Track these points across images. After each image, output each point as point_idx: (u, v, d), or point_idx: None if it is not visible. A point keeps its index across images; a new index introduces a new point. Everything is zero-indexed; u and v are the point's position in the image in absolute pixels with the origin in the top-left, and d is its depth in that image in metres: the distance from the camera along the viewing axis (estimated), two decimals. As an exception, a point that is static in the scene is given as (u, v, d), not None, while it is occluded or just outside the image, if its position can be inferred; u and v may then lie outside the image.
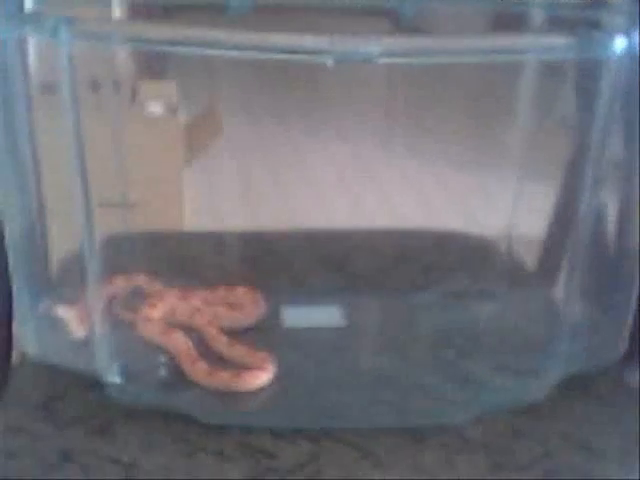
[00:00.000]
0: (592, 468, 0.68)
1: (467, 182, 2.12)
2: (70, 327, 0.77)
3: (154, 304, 0.83)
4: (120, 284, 0.86)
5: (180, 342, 0.77)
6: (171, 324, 0.80)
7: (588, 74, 0.67)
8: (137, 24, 0.70)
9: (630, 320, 0.77)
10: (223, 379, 0.73)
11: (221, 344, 0.78)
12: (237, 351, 0.77)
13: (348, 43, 0.59)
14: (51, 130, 0.72)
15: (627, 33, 0.62)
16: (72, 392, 0.74)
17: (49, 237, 0.83)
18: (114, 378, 0.72)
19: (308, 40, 0.60)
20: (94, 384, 0.72)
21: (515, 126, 0.94)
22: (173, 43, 0.62)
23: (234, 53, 0.60)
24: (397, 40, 0.62)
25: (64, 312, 0.78)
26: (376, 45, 0.60)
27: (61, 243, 0.83)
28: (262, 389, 0.73)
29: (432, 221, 2.02)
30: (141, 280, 0.88)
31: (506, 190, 0.95)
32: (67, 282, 0.81)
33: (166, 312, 0.82)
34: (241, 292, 0.86)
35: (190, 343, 0.77)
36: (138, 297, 0.85)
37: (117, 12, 0.89)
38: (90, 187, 0.67)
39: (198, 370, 0.74)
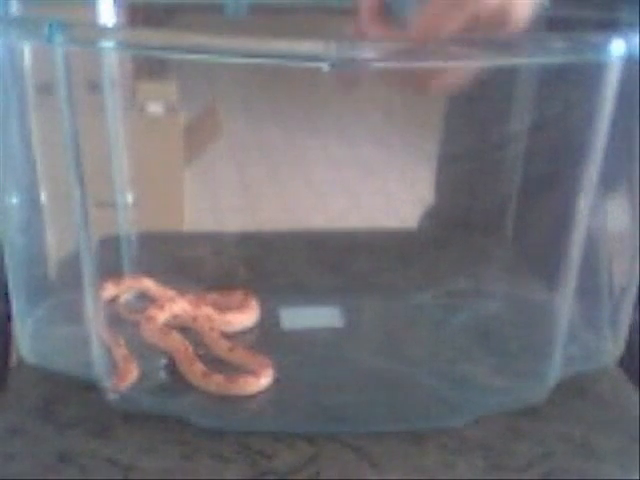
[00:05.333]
0: (592, 468, 0.68)
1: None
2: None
3: (154, 307, 0.82)
4: (119, 287, 0.86)
5: (178, 343, 0.77)
6: (172, 326, 0.80)
7: (587, 75, 0.67)
8: (133, 30, 0.70)
9: (629, 321, 0.77)
10: (218, 382, 0.73)
11: (221, 348, 0.78)
12: (237, 355, 0.77)
13: (344, 49, 0.59)
14: (49, 131, 0.72)
15: (626, 36, 0.62)
16: (71, 394, 0.73)
17: (47, 239, 0.83)
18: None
19: (304, 46, 0.59)
20: (93, 386, 0.72)
21: (513, 126, 0.94)
22: (169, 49, 0.62)
23: (229, 59, 0.60)
24: (393, 44, 0.62)
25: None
26: (372, 50, 0.59)
27: (60, 244, 0.83)
28: (260, 393, 0.73)
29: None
30: (140, 282, 0.87)
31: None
32: (65, 285, 0.81)
33: (167, 315, 0.82)
34: (240, 293, 0.86)
35: (188, 344, 0.77)
36: (139, 300, 0.85)
37: (113, 13, 0.89)
38: (87, 188, 0.67)
39: (195, 371, 0.74)
